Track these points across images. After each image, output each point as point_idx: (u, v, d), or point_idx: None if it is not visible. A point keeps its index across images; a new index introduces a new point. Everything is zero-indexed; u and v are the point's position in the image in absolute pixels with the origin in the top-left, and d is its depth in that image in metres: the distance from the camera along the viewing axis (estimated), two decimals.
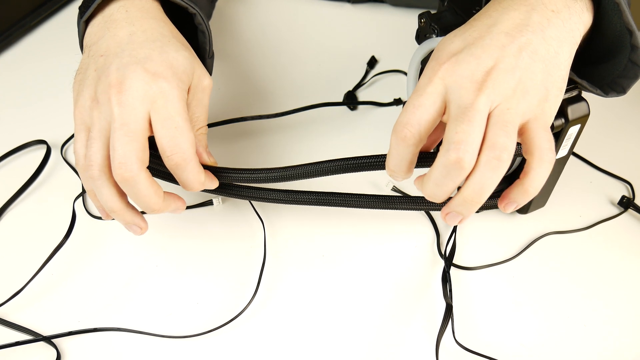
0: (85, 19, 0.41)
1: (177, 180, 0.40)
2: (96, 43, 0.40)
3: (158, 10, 0.42)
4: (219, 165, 0.43)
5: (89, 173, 0.37)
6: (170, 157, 0.37)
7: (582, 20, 0.35)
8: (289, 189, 0.46)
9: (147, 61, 0.37)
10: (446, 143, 0.33)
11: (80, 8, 0.43)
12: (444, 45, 0.35)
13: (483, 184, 0.33)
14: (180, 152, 0.37)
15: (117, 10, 0.41)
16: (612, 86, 0.40)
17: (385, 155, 0.38)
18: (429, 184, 0.35)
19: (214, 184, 0.42)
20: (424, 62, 0.48)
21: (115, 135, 0.36)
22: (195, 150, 0.39)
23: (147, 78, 0.37)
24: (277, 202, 0.46)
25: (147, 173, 0.38)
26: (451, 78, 0.33)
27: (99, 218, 0.50)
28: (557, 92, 0.35)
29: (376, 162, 0.39)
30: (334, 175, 0.45)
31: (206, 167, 0.42)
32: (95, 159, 0.37)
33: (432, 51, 0.47)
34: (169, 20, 0.42)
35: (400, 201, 0.45)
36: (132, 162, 0.36)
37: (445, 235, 0.49)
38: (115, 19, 0.40)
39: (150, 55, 0.38)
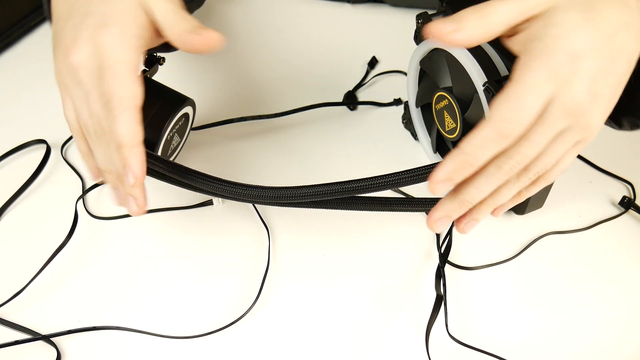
0: None
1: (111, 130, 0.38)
2: (56, 7, 0.40)
3: None
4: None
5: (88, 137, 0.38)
6: (106, 102, 0.36)
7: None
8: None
9: (94, 15, 0.36)
10: (515, 150, 0.33)
11: None
12: (573, 36, 0.31)
13: (498, 200, 0.36)
14: (116, 96, 0.36)
15: None
16: (634, 116, 0.40)
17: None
18: (470, 189, 0.35)
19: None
20: (423, 62, 0.48)
21: (90, 105, 0.36)
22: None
23: (92, 33, 0.36)
24: (274, 205, 0.46)
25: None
26: (563, 91, 0.32)
27: (100, 218, 0.50)
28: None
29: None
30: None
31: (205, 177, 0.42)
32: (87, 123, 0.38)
33: (429, 52, 0.47)
34: None
35: (401, 203, 0.45)
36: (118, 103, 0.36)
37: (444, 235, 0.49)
38: None
39: (97, 8, 0.37)
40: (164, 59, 0.48)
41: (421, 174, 0.39)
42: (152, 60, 0.47)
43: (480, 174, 0.34)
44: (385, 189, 0.41)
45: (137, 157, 0.37)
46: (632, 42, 0.33)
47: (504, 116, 0.32)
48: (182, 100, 0.48)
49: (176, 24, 0.37)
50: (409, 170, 0.40)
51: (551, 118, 0.32)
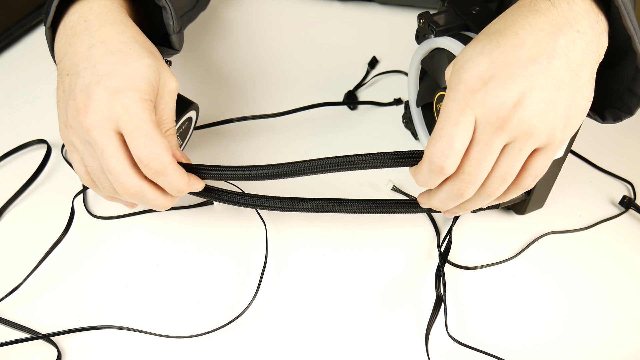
0: (49, 26, 0.41)
1: (163, 187, 0.40)
2: (62, 60, 0.40)
3: (118, 12, 0.41)
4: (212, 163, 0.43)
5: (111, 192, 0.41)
6: (148, 166, 0.38)
7: (601, 42, 0.35)
8: (287, 196, 0.46)
9: (108, 77, 0.37)
10: (459, 171, 0.36)
11: (42, 16, 0.42)
12: (470, 65, 0.34)
13: (471, 207, 0.39)
14: (156, 159, 0.37)
15: (77, 22, 0.40)
16: (615, 107, 0.41)
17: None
18: (434, 201, 0.39)
19: (200, 184, 0.42)
20: (424, 62, 0.48)
21: (104, 162, 0.38)
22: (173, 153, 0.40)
23: (108, 96, 0.37)
24: (274, 210, 0.46)
25: (147, 181, 0.39)
26: (481, 110, 0.33)
27: (100, 217, 0.50)
28: (580, 116, 0.35)
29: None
30: (332, 178, 0.44)
31: (190, 168, 0.42)
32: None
33: (431, 51, 0.47)
34: (130, 21, 0.41)
35: (400, 205, 0.45)
36: (128, 179, 0.38)
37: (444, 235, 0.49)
38: (76, 32, 0.40)
39: (111, 71, 0.37)
40: (170, 62, 0.48)
41: (412, 157, 0.39)
42: None
43: (441, 191, 0.38)
44: (373, 167, 0.39)
45: (195, 183, 0.42)
46: (550, 40, 0.34)
47: (431, 151, 0.35)
48: (187, 104, 0.48)
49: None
50: (399, 152, 0.39)
51: (482, 137, 0.34)
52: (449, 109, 0.34)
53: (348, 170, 0.39)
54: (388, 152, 0.39)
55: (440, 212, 0.43)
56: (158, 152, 0.37)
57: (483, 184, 0.37)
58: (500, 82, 0.33)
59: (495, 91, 0.33)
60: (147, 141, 0.37)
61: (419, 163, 0.37)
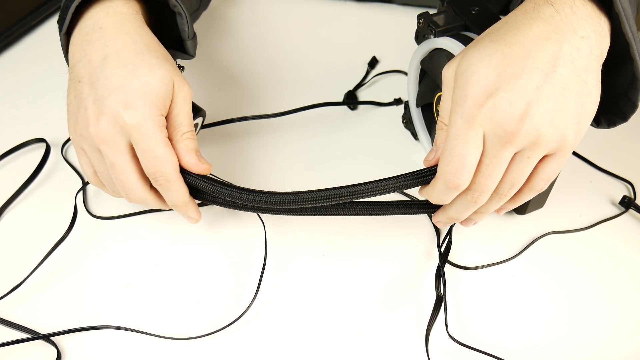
0: (64, 32, 0.41)
1: (163, 197, 0.42)
2: (75, 65, 0.40)
3: (134, 19, 0.41)
4: (215, 168, 0.44)
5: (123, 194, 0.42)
6: (154, 179, 0.40)
7: (604, 45, 0.35)
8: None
9: (119, 91, 0.38)
10: (471, 183, 0.37)
11: (58, 22, 0.43)
12: (477, 79, 0.34)
13: (487, 210, 0.41)
14: (163, 176, 0.40)
15: (92, 29, 0.40)
16: (609, 112, 0.41)
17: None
18: (450, 212, 0.41)
19: (197, 216, 0.45)
20: (424, 62, 0.48)
21: (113, 174, 0.40)
22: (187, 155, 0.41)
23: (120, 111, 0.37)
24: (272, 213, 0.46)
25: (152, 191, 0.42)
26: (489, 125, 0.34)
27: (100, 217, 0.50)
28: (588, 120, 0.36)
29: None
30: (332, 178, 0.44)
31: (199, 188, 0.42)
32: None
33: (430, 51, 0.47)
34: (144, 28, 0.41)
35: (400, 206, 0.45)
36: (135, 191, 0.41)
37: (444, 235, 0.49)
38: (91, 39, 0.40)
39: (121, 84, 0.38)
40: (183, 67, 0.48)
41: (425, 176, 0.39)
42: None
43: (456, 201, 0.39)
44: (389, 192, 0.40)
45: (192, 209, 0.44)
46: (555, 48, 0.34)
47: (445, 170, 0.36)
48: (195, 111, 0.48)
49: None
50: (412, 172, 0.40)
51: (491, 150, 0.35)
52: (458, 126, 0.35)
53: (360, 198, 0.40)
54: (400, 175, 0.39)
55: (456, 223, 0.44)
56: (165, 171, 0.39)
57: (494, 189, 0.38)
58: (507, 95, 0.33)
59: (503, 105, 0.33)
60: (156, 162, 0.39)
61: (432, 182, 0.38)
